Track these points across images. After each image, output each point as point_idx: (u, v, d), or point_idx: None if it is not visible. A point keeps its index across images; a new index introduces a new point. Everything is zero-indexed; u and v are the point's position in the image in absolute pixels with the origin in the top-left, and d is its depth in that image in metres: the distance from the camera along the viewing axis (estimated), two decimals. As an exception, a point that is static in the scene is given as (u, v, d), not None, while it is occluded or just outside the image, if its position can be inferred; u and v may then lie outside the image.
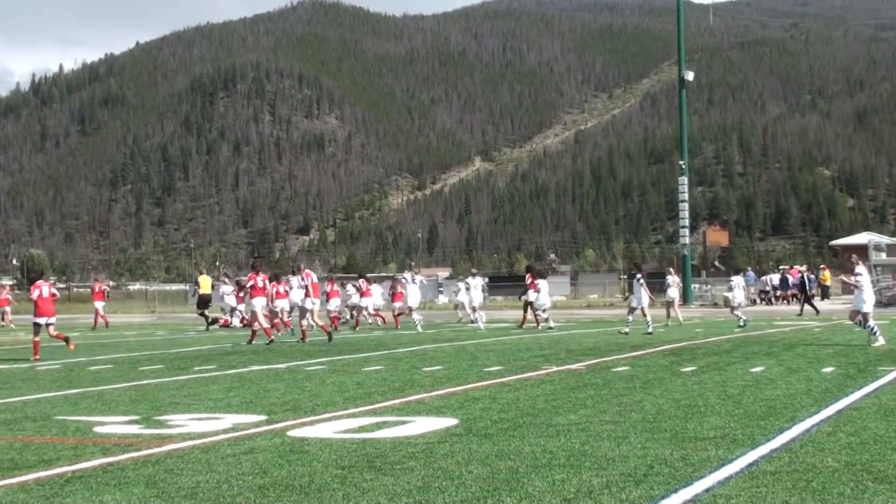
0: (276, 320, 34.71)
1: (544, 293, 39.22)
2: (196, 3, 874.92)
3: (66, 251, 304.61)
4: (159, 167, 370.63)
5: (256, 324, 31.86)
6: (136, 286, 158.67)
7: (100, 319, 47.23)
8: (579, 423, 11.42)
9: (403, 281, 42.87)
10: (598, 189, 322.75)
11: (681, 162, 76.02)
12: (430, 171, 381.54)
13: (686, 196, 74.99)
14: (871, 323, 24.72)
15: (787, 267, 73.13)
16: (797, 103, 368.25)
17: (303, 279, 33.26)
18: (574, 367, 19.32)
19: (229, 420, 12.17)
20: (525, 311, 39.81)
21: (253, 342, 30.45)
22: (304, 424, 11.73)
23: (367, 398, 14.39)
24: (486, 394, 14.68)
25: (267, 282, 33.42)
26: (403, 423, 11.71)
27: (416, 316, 39.23)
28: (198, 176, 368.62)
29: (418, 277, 43.26)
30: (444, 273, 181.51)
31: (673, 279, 42.48)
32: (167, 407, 13.69)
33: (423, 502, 7.53)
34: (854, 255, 27.75)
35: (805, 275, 52.30)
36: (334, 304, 42.49)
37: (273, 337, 30.84)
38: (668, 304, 41.44)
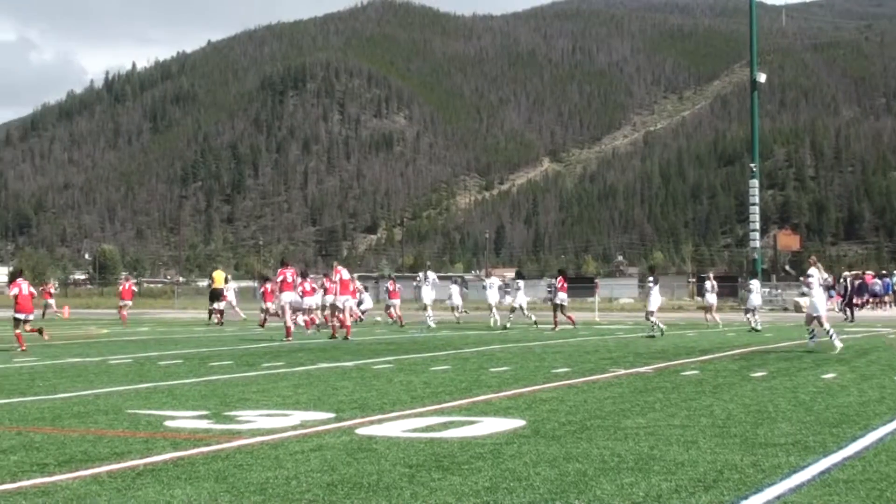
0: (306, 317, 35.36)
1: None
2: (267, 1, 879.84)
3: (137, 247, 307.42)
4: (229, 165, 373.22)
5: (289, 318, 32.71)
6: (205, 283, 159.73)
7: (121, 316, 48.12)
8: (648, 427, 11.36)
9: (420, 280, 45.85)
10: (667, 191, 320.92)
11: (752, 164, 75.71)
12: (498, 171, 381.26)
13: (757, 199, 74.65)
14: (827, 326, 24.84)
15: (858, 272, 72.24)
16: (871, 106, 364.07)
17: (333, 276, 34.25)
18: (642, 370, 19.24)
19: (298, 417, 12.22)
20: (555, 313, 40.14)
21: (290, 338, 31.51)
22: (371, 423, 11.75)
23: (435, 397, 14.40)
24: (553, 395, 14.65)
25: (296, 277, 34.39)
26: (471, 423, 11.70)
27: (429, 312, 42.25)
28: (267, 174, 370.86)
29: (432, 276, 45.71)
30: (510, 274, 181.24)
31: (711, 284, 42.79)
32: (236, 402, 13.77)
33: (491, 503, 7.52)
34: (812, 257, 27.90)
35: (849, 280, 51.53)
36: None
37: (292, 334, 32.11)
38: (706, 309, 42.57)
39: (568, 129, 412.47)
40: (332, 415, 12.44)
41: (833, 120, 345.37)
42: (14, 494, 7.86)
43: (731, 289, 78.36)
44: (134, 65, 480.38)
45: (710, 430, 11.16)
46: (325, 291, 41.15)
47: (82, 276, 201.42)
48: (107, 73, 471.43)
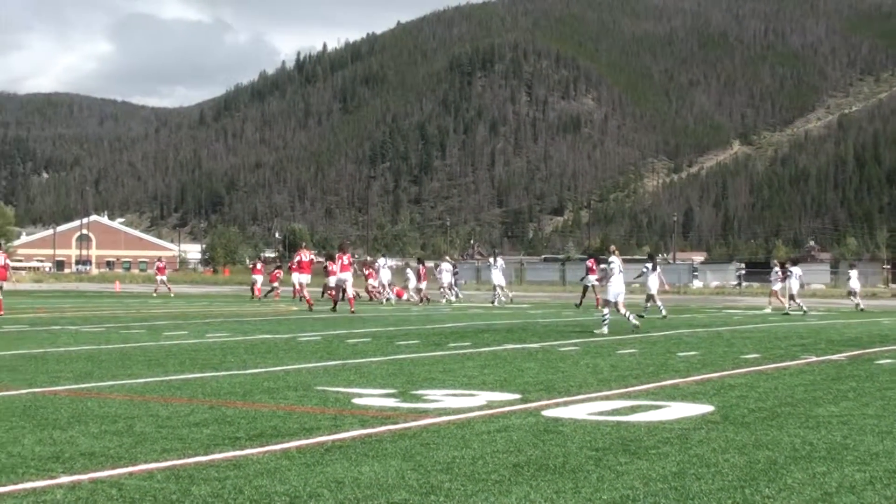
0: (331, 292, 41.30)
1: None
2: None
3: (325, 226, 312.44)
4: (417, 146, 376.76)
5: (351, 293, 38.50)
6: (392, 262, 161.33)
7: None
8: (841, 416, 11.12)
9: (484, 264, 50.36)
10: (861, 175, 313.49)
11: (951, 149, 73.67)
12: (686, 153, 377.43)
13: (955, 184, 72.61)
14: (606, 311, 26.43)
15: None
16: None
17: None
18: (835, 357, 18.85)
19: (484, 397, 12.24)
20: (584, 293, 44.47)
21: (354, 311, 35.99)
22: (557, 405, 11.71)
23: (622, 381, 14.30)
24: (742, 381, 14.43)
25: (350, 260, 39.94)
26: (658, 407, 11.59)
27: (499, 292, 47.00)
28: (454, 155, 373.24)
29: (500, 261, 49.96)
30: (699, 258, 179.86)
31: (777, 271, 43.10)
32: (423, 382, 13.87)
33: (679, 488, 7.43)
34: (612, 246, 30.18)
35: None
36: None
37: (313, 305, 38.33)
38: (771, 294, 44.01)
39: (759, 112, 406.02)
40: (518, 396, 12.45)
41: None
42: (207, 467, 8.03)
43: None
44: (324, 46, 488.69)
45: (905, 420, 10.89)
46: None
47: (272, 255, 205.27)
48: (298, 53, 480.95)
